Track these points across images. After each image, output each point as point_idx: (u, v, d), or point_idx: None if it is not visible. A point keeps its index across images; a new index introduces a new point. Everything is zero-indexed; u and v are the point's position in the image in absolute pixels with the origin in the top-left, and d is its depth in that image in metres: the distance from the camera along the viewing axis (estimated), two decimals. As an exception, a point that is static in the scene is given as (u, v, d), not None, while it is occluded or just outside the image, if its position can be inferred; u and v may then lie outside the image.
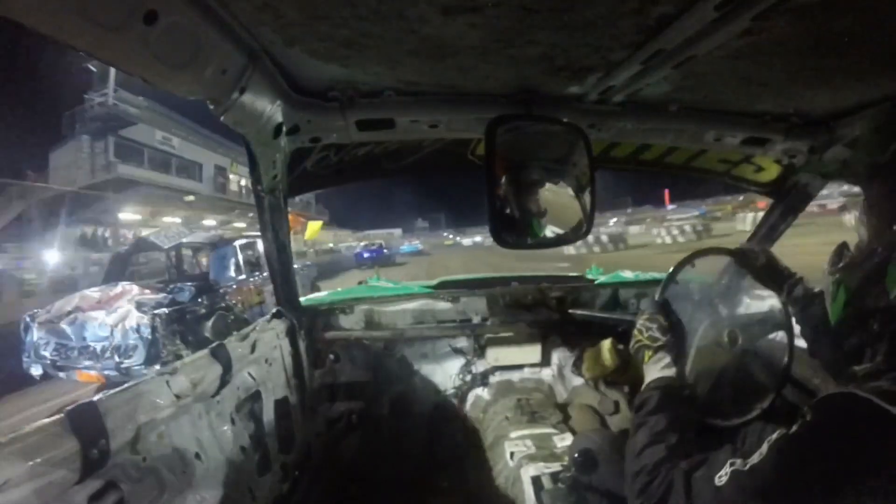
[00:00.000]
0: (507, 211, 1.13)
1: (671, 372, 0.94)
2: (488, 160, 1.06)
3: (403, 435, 2.03)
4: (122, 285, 5.21)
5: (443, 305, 2.00)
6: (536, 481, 1.26)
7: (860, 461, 0.57)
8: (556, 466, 1.29)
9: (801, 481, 0.60)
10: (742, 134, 1.36)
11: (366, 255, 24.06)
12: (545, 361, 2.05)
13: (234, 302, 5.59)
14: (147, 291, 5.17)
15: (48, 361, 4.67)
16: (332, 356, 1.93)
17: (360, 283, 2.62)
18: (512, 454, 1.45)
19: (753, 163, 1.65)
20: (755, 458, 0.64)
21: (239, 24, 0.80)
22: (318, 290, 8.59)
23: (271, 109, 1.08)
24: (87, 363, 4.56)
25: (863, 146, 1.18)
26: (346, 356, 1.99)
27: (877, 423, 0.57)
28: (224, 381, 1.18)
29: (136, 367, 4.42)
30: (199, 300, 5.13)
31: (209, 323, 4.96)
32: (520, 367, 2.05)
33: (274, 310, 1.65)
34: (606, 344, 1.39)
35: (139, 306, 4.70)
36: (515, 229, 1.15)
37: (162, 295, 5.07)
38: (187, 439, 1.04)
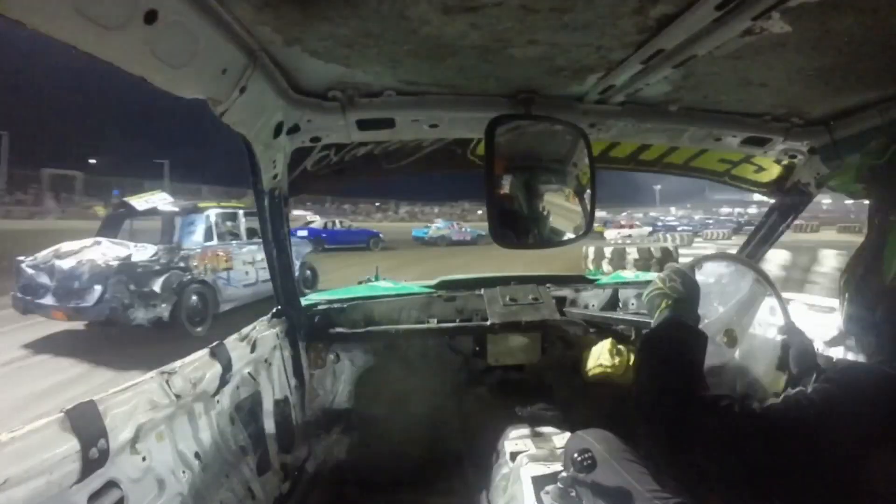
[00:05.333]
0: (508, 211, 1.13)
1: (691, 322, 0.90)
2: (488, 160, 1.06)
3: (403, 435, 2.03)
4: (98, 239, 5.96)
5: (443, 305, 2.00)
6: (536, 481, 1.26)
7: (873, 424, 0.57)
8: (556, 466, 1.28)
9: (809, 434, 0.60)
10: (742, 134, 1.36)
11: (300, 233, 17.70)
12: (545, 361, 2.05)
13: (196, 264, 6.25)
14: (118, 247, 5.86)
15: (28, 299, 5.50)
16: (332, 356, 1.93)
17: (359, 282, 2.61)
18: (512, 454, 1.45)
19: (753, 163, 1.66)
20: (769, 403, 0.64)
21: (239, 23, 0.80)
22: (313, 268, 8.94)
23: (271, 109, 1.08)
24: (53, 302, 5.38)
25: (865, 148, 1.18)
26: (346, 356, 1.98)
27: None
28: (224, 380, 1.18)
29: (85, 307, 5.26)
30: (156, 258, 5.78)
31: (160, 279, 5.66)
32: (520, 366, 2.05)
33: (274, 309, 1.65)
34: (606, 344, 1.39)
35: (101, 258, 5.45)
36: (515, 229, 1.15)
37: (126, 251, 5.71)
38: (187, 439, 1.04)
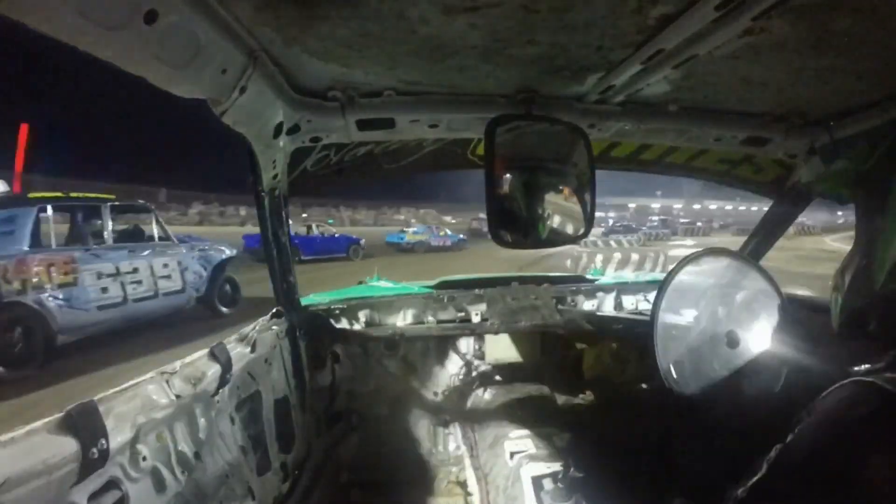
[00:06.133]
0: (507, 211, 1.13)
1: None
2: (488, 160, 1.06)
3: (403, 435, 2.03)
4: None
5: (443, 305, 2.00)
6: (536, 481, 1.26)
7: (870, 442, 0.56)
8: (556, 466, 1.29)
9: (810, 485, 0.58)
10: (742, 134, 1.36)
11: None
12: (545, 361, 2.05)
13: (10, 279, 4.56)
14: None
15: None
16: (332, 356, 1.93)
17: (360, 282, 2.62)
18: (512, 454, 1.45)
19: (753, 163, 1.66)
20: (754, 479, 0.62)
21: (239, 24, 0.80)
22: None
23: (271, 109, 1.08)
24: None
25: (850, 153, 1.18)
26: (346, 356, 1.99)
27: (886, 405, 0.56)
28: (224, 380, 1.18)
29: None
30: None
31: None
32: (520, 366, 2.05)
33: (274, 309, 1.65)
34: (606, 344, 1.39)
35: None
36: (515, 229, 1.15)
37: None
38: (187, 439, 1.04)
